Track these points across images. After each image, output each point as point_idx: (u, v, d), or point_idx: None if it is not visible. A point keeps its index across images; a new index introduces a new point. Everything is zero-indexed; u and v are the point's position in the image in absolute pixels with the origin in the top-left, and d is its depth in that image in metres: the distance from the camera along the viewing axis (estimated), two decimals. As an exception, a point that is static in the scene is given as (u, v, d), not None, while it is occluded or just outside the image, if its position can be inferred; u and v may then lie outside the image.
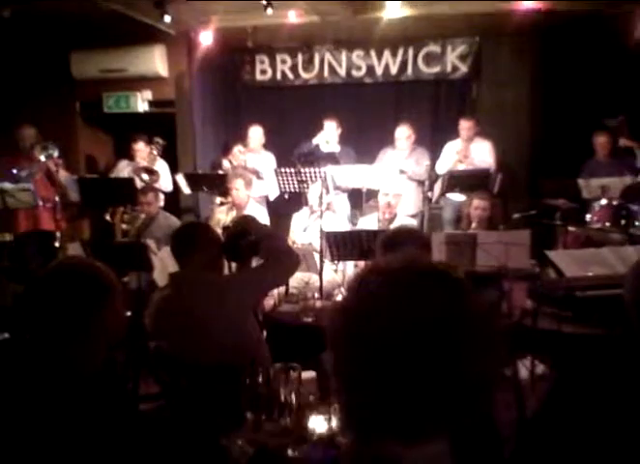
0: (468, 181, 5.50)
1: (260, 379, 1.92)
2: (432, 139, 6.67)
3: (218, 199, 5.94)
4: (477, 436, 0.93)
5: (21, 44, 6.74)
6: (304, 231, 5.51)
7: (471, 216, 4.94)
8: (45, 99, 7.11)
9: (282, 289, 4.38)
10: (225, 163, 6.33)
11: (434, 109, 6.94)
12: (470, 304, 0.86)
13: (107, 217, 5.85)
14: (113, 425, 1.42)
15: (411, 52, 6.81)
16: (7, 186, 5.24)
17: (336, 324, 0.89)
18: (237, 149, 6.39)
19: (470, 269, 4.35)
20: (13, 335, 3.18)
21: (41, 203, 5.57)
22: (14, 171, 5.64)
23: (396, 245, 2.45)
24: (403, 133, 6.11)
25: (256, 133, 6.50)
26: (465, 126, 6.05)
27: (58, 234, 5.71)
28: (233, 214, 5.55)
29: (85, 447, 1.36)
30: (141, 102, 7.10)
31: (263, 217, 5.53)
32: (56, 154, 5.78)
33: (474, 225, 4.86)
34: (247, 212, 5.51)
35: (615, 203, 5.28)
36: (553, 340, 4.14)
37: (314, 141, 6.24)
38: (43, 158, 5.73)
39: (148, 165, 6.08)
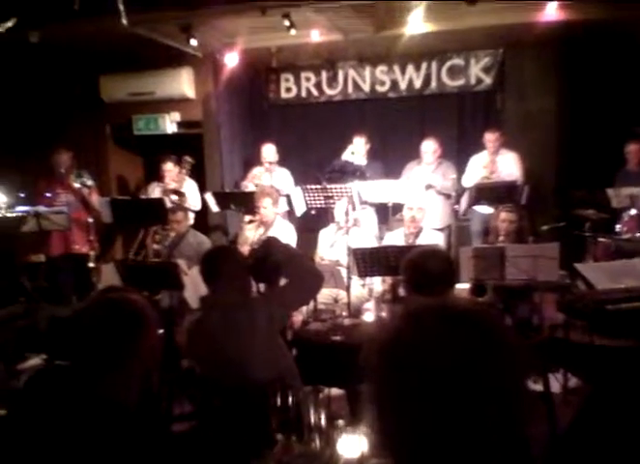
0: (495, 193, 5.47)
1: (290, 401, 1.95)
2: (458, 152, 6.67)
3: (247, 217, 6.01)
4: (508, 452, 0.95)
5: (52, 70, 6.94)
6: (331, 247, 5.54)
7: (498, 228, 4.93)
8: (77, 122, 7.29)
9: (311, 305, 4.40)
10: (251, 186, 6.41)
11: (459, 122, 6.94)
12: (500, 343, 0.89)
13: (140, 236, 5.96)
14: (148, 447, 1.47)
15: (434, 66, 6.85)
16: (42, 209, 5.38)
17: (375, 361, 0.93)
18: (257, 170, 6.49)
19: (499, 283, 4.34)
20: (49, 358, 3.26)
21: (74, 225, 5.70)
22: (48, 195, 5.80)
23: (423, 273, 2.46)
24: (429, 147, 6.12)
25: (269, 151, 6.56)
26: (490, 138, 6.03)
27: (92, 255, 5.86)
28: (261, 231, 5.61)
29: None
30: (170, 124, 7.24)
31: (290, 234, 5.58)
32: (90, 182, 5.94)
33: (501, 238, 4.83)
34: (274, 229, 5.57)
35: (645, 212, 5.22)
36: (585, 353, 4.09)
37: (343, 157, 6.30)
38: (77, 185, 5.88)
39: (176, 187, 6.19)
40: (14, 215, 5.21)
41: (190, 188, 6.42)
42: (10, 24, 4.94)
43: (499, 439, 0.88)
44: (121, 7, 4.53)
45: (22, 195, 5.69)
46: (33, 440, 1.47)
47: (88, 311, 1.64)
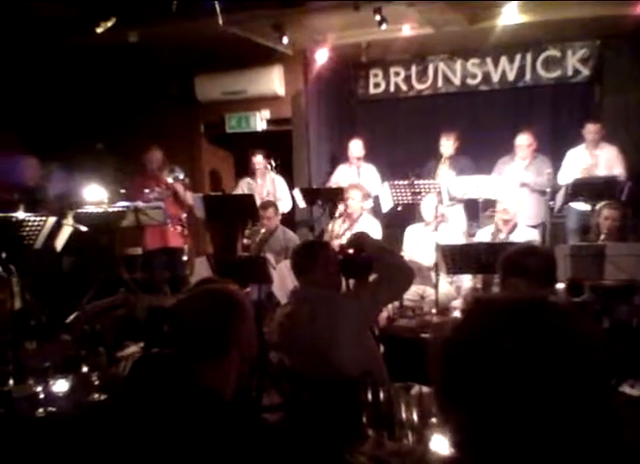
0: (593, 189, 5.23)
1: (381, 397, 1.94)
2: (552, 146, 6.40)
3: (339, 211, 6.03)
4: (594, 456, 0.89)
5: (150, 70, 7.23)
6: (417, 244, 5.47)
7: (600, 226, 4.70)
8: (173, 121, 7.58)
9: (397, 302, 4.37)
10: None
11: (555, 115, 6.66)
12: (579, 339, 0.84)
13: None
14: (241, 436, 1.50)
15: (529, 58, 6.62)
16: (140, 204, 5.61)
17: (439, 359, 0.90)
18: (342, 167, 6.50)
19: (597, 283, 4.15)
20: (147, 346, 3.41)
21: (169, 220, 5.91)
22: (147, 191, 6.05)
23: (519, 269, 2.38)
24: (524, 141, 5.90)
25: (356, 147, 6.53)
26: (592, 130, 5.74)
27: (186, 248, 6.07)
28: (345, 226, 5.62)
29: (213, 455, 1.44)
30: (260, 121, 7.39)
31: (376, 230, 5.56)
32: (181, 176, 6.14)
33: (603, 236, 4.61)
34: (360, 224, 5.56)
35: None
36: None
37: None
38: (170, 180, 6.11)
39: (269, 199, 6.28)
40: (115, 209, 5.45)
41: (280, 185, 6.53)
42: (109, 24, 5.18)
43: (575, 441, 0.83)
44: (217, 7, 4.65)
45: (123, 191, 5.96)
46: (133, 425, 1.53)
47: (189, 301, 1.70)
